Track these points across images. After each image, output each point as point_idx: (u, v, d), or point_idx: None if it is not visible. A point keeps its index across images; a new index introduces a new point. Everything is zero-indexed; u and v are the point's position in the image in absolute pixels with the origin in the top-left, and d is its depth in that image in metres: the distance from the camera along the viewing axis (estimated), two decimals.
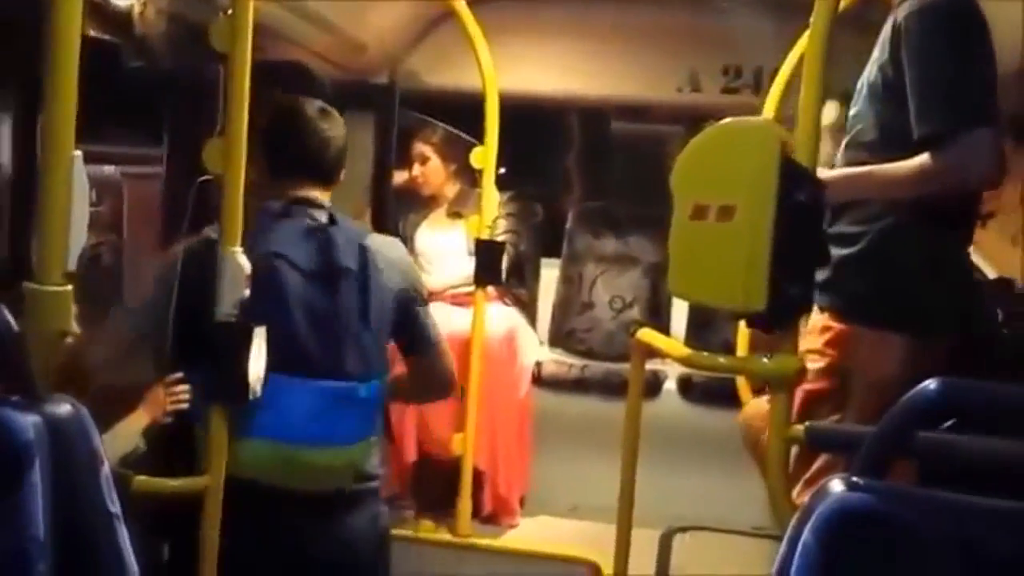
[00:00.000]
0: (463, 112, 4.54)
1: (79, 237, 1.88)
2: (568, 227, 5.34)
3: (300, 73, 4.04)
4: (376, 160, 4.72)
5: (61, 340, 1.83)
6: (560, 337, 5.18)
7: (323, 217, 2.80)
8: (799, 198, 2.04)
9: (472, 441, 4.16)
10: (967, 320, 2.54)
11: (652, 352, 2.93)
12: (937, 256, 2.54)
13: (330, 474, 2.74)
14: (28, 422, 1.35)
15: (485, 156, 4.11)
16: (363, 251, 2.78)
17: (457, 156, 4.62)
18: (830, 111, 2.88)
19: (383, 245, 2.88)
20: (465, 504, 4.17)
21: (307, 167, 2.84)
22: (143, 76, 3.31)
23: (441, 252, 4.69)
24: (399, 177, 4.79)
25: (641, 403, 2.88)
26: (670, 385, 4.75)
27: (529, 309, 4.99)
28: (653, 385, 4.60)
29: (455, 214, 4.68)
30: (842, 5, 2.28)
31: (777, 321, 2.13)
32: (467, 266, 4.30)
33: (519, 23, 4.65)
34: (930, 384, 1.27)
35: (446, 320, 4.32)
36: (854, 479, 1.27)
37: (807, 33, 2.16)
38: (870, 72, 2.59)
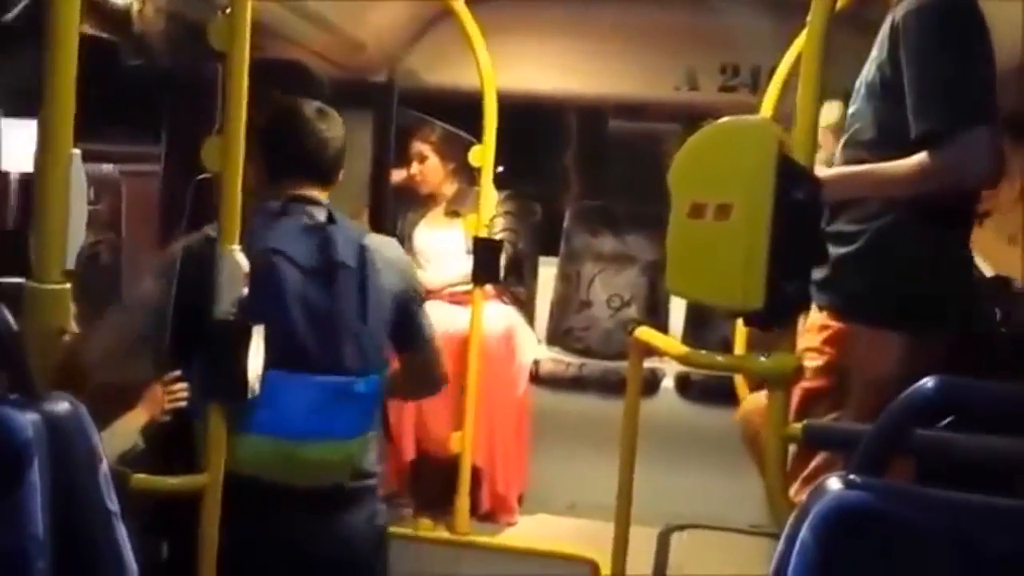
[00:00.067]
0: (461, 111, 4.54)
1: (77, 235, 1.88)
2: (566, 226, 5.34)
3: (299, 72, 4.05)
4: (374, 158, 4.72)
5: (60, 338, 1.83)
6: (558, 335, 5.18)
7: (322, 216, 2.82)
8: (796, 196, 2.05)
9: (470, 439, 4.16)
10: (966, 319, 2.54)
11: (650, 350, 2.93)
12: (935, 255, 2.54)
13: (328, 469, 2.74)
14: (27, 420, 1.35)
15: (483, 155, 4.11)
16: (362, 250, 2.80)
17: (455, 155, 4.62)
18: (832, 111, 2.89)
19: (381, 245, 2.89)
20: (463, 502, 4.17)
21: (305, 167, 2.85)
22: (141, 74, 3.31)
23: (439, 250, 4.69)
24: (397, 175, 4.79)
25: (639, 401, 2.89)
26: (668, 383, 4.75)
27: (527, 307, 4.99)
28: (651, 383, 4.60)
29: (453, 212, 4.68)
30: (839, 4, 2.29)
31: (775, 319, 2.14)
32: (465, 264, 4.30)
33: (517, 22, 4.65)
34: (927, 382, 1.27)
35: (444, 318, 4.34)
36: (851, 477, 1.27)
37: (804, 32, 2.16)
38: (868, 71, 2.59)
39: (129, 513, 1.51)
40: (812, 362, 2.61)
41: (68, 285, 1.87)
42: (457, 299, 4.47)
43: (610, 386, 4.57)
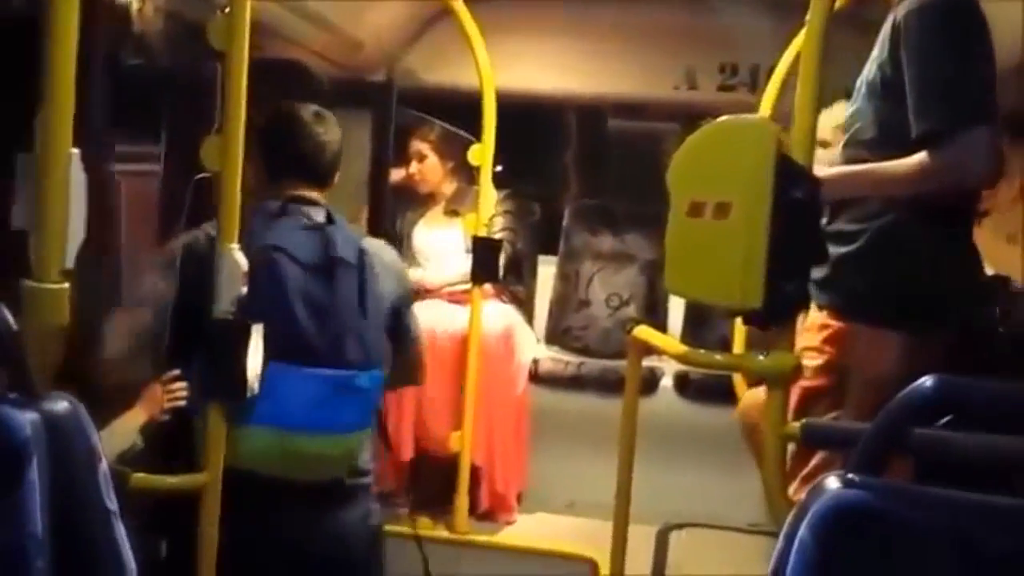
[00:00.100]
0: (460, 110, 4.54)
1: (76, 235, 1.88)
2: (565, 225, 5.34)
3: (298, 71, 4.05)
4: (373, 158, 4.71)
5: (59, 337, 1.83)
6: (557, 334, 5.18)
7: (320, 216, 2.86)
8: (795, 195, 2.05)
9: (469, 438, 4.16)
10: (966, 318, 2.54)
11: (649, 349, 2.94)
12: (936, 254, 2.53)
13: (329, 463, 2.77)
14: (26, 419, 1.35)
15: (482, 154, 4.12)
16: (361, 252, 2.84)
17: (454, 154, 4.62)
18: (843, 110, 2.89)
19: (379, 249, 2.96)
20: (462, 501, 4.17)
21: (303, 170, 2.90)
22: (141, 73, 3.31)
23: (438, 250, 4.69)
24: (396, 175, 4.78)
25: (638, 400, 2.89)
26: (666, 382, 4.75)
27: (526, 307, 4.99)
28: (650, 382, 4.60)
29: (452, 212, 4.68)
30: (838, 4, 2.29)
31: (773, 318, 2.14)
32: (464, 263, 4.30)
33: (516, 21, 4.65)
34: (926, 381, 1.27)
35: (443, 317, 4.35)
36: (850, 476, 1.27)
37: (803, 31, 2.17)
38: (869, 70, 2.59)
39: (128, 512, 1.51)
40: (812, 361, 2.62)
41: (67, 284, 1.88)
42: (456, 298, 4.48)
43: (609, 385, 4.58)
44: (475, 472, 4.29)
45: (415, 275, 4.63)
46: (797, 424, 2.18)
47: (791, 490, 2.36)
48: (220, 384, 2.46)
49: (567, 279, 5.23)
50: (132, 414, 2.71)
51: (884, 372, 2.40)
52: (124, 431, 2.68)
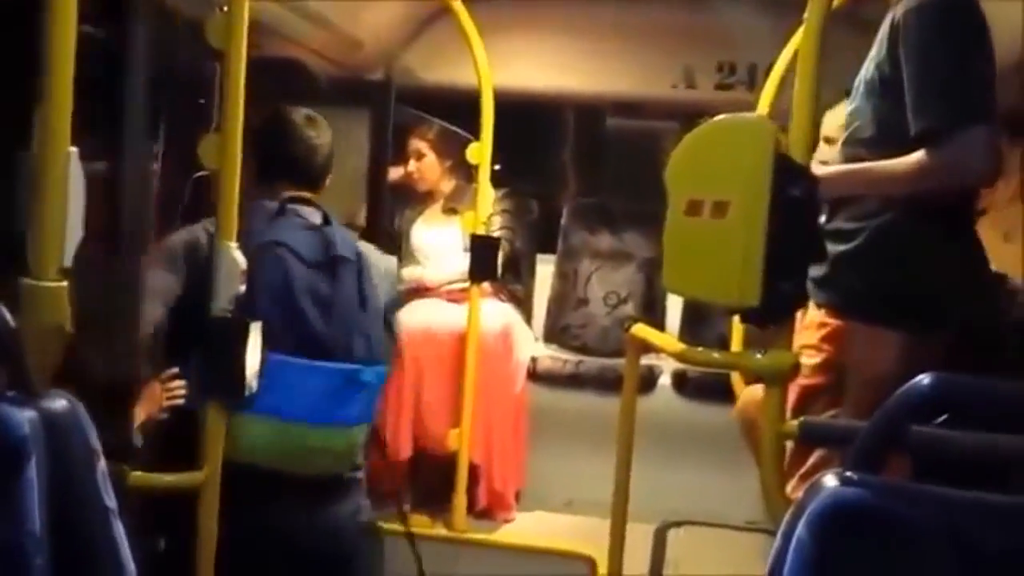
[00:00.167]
0: (459, 108, 4.54)
1: (75, 233, 1.88)
2: (563, 223, 5.34)
3: (296, 70, 4.05)
4: (372, 156, 4.71)
5: (58, 335, 1.84)
6: (555, 333, 5.18)
7: (317, 218, 2.93)
8: (793, 194, 2.05)
9: (468, 436, 4.17)
10: (965, 317, 2.54)
11: (647, 347, 2.94)
12: (934, 253, 2.53)
13: (333, 456, 2.83)
14: (24, 417, 1.35)
15: (480, 152, 4.12)
16: (359, 256, 2.93)
17: (452, 152, 4.62)
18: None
19: (373, 253, 3.04)
20: (461, 499, 4.18)
21: (295, 173, 2.97)
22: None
23: (437, 248, 4.69)
24: (395, 173, 4.78)
25: (636, 398, 2.89)
26: (665, 380, 4.75)
27: (524, 305, 4.99)
28: (648, 380, 4.61)
29: (451, 210, 4.68)
30: (836, 2, 2.28)
31: (771, 316, 2.14)
32: (462, 262, 4.30)
33: (515, 20, 4.65)
34: (923, 379, 1.27)
35: (442, 316, 4.36)
36: (847, 474, 1.27)
37: (801, 30, 2.17)
38: (868, 69, 2.59)
39: (127, 509, 1.51)
40: (810, 359, 2.62)
41: (65, 283, 1.88)
42: (454, 296, 4.48)
43: (607, 383, 4.58)
44: (473, 470, 4.29)
45: (414, 273, 4.64)
46: (795, 422, 2.18)
47: (789, 488, 2.36)
48: (219, 382, 2.46)
49: (565, 277, 5.23)
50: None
51: (882, 370, 2.40)
52: None
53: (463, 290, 4.30)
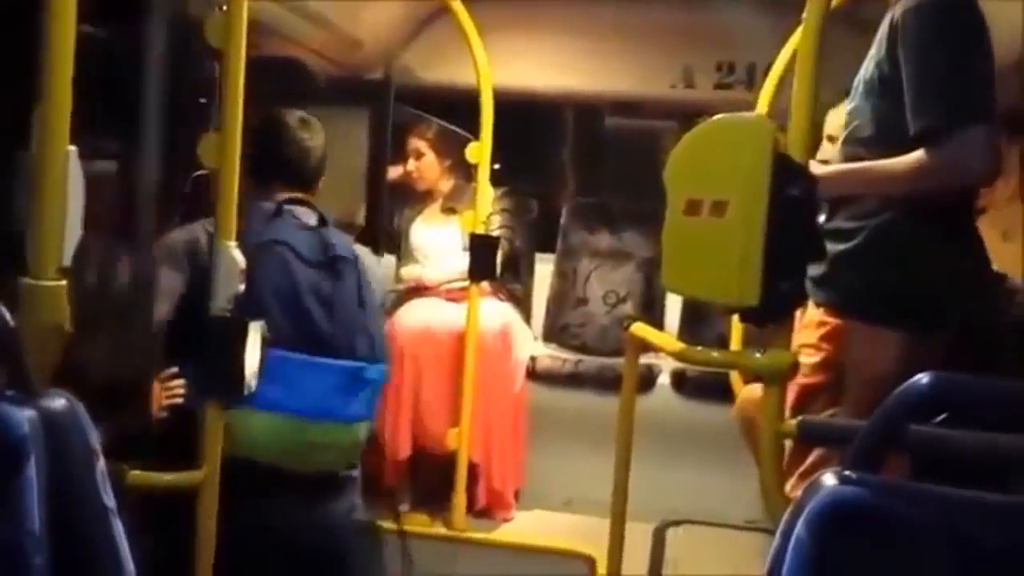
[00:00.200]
0: (458, 108, 4.54)
1: (74, 232, 1.88)
2: (562, 222, 5.35)
3: (296, 69, 4.05)
4: (371, 155, 4.71)
5: (57, 335, 1.84)
6: (554, 332, 5.18)
7: (312, 219, 2.99)
8: (792, 193, 2.05)
9: (467, 435, 4.17)
10: (965, 316, 2.54)
11: (646, 346, 2.94)
12: (933, 252, 2.53)
13: (338, 452, 2.89)
14: (24, 417, 1.35)
15: (480, 151, 4.12)
16: (356, 258, 3.00)
17: (452, 151, 4.62)
18: None
19: (367, 255, 3.12)
20: (460, 498, 4.18)
21: (289, 175, 3.03)
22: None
23: (436, 247, 4.69)
24: (394, 172, 4.78)
25: (635, 397, 2.90)
26: (664, 379, 4.75)
27: (523, 304, 4.99)
28: (647, 379, 4.61)
29: (450, 209, 4.68)
30: (834, 2, 2.29)
31: (770, 315, 2.14)
32: (462, 261, 4.30)
33: (514, 19, 4.65)
34: (922, 378, 1.28)
35: (441, 315, 4.35)
36: (846, 473, 1.27)
37: (800, 29, 2.17)
38: (867, 68, 2.59)
39: (126, 508, 1.51)
40: (809, 358, 2.62)
41: (64, 282, 1.88)
42: (453, 296, 4.48)
43: (606, 382, 4.58)
44: (472, 469, 4.29)
45: (413, 272, 4.65)
46: (794, 421, 2.18)
47: (788, 487, 2.36)
48: (218, 381, 2.46)
49: (564, 277, 5.23)
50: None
51: (881, 369, 2.40)
52: None
53: (462, 289, 4.30)
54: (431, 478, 4.38)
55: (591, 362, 4.89)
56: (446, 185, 4.75)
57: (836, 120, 3.06)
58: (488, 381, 4.32)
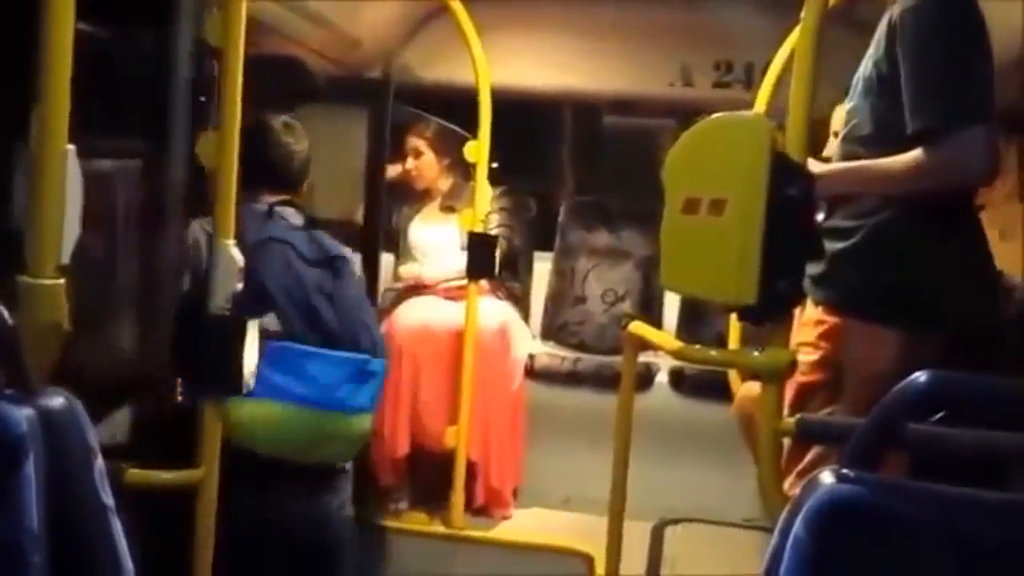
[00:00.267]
0: (457, 106, 4.54)
1: (72, 231, 1.88)
2: (561, 221, 5.35)
3: (295, 68, 4.06)
4: (370, 154, 4.71)
5: (56, 333, 1.84)
6: (553, 330, 5.18)
7: (300, 220, 3.09)
8: (790, 192, 2.05)
9: (465, 434, 4.17)
10: (964, 315, 2.54)
11: (644, 345, 2.94)
12: (931, 251, 2.53)
13: (347, 443, 2.95)
14: (22, 415, 1.35)
15: (478, 150, 4.12)
16: (350, 258, 3.12)
17: (450, 150, 4.63)
18: None
19: (355, 259, 3.21)
20: (458, 496, 4.18)
21: (274, 178, 3.12)
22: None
23: (434, 246, 4.70)
24: (392, 171, 4.78)
25: (633, 396, 2.90)
26: (662, 378, 4.75)
27: (522, 303, 4.99)
28: (645, 378, 4.61)
29: (448, 208, 4.68)
30: (832, 1, 2.29)
31: (768, 314, 2.14)
32: (460, 260, 4.30)
33: (513, 18, 4.66)
34: (919, 376, 1.28)
35: (439, 314, 4.36)
36: (844, 471, 1.27)
37: (798, 28, 2.17)
38: (866, 67, 2.59)
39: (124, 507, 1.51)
40: (807, 356, 2.62)
41: (63, 280, 1.88)
42: (452, 294, 4.48)
43: (604, 381, 4.58)
44: (471, 467, 4.29)
45: (411, 271, 4.65)
46: (792, 419, 2.19)
47: (786, 485, 2.36)
48: (217, 380, 2.46)
49: (563, 275, 5.23)
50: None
51: (879, 368, 2.40)
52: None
53: (461, 288, 4.30)
54: (429, 476, 4.38)
55: (589, 360, 4.89)
56: (445, 184, 4.76)
57: (842, 116, 3.06)
58: (486, 379, 4.32)
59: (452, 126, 4.69)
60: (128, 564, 1.48)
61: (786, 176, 2.05)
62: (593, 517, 3.72)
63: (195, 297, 2.55)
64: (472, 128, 4.18)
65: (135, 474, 2.33)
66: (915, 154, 2.40)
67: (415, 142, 4.70)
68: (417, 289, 4.59)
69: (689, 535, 4.38)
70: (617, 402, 2.93)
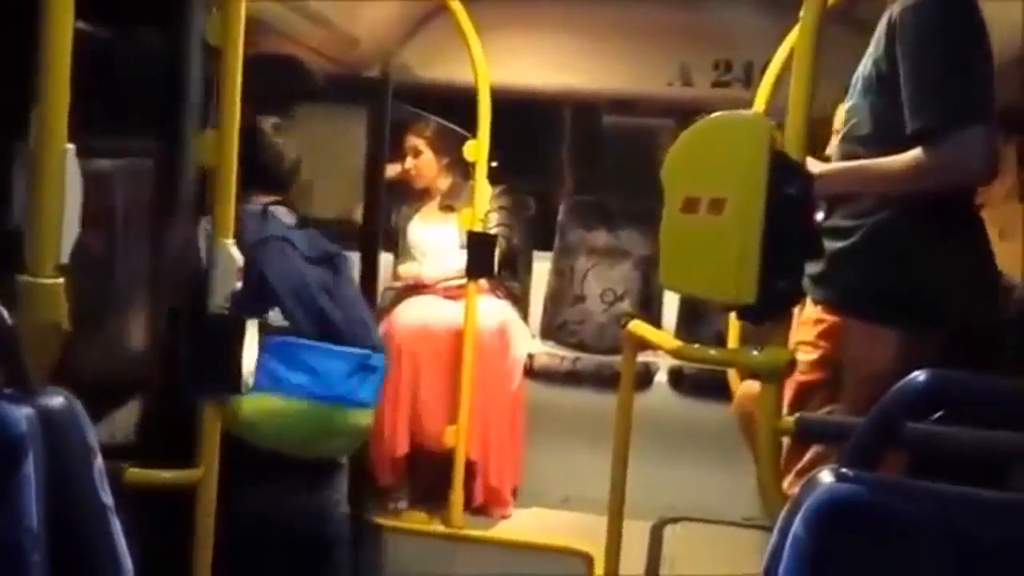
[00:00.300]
0: (456, 106, 4.54)
1: (71, 230, 1.88)
2: (560, 220, 5.34)
3: (294, 67, 4.05)
4: (369, 153, 4.71)
5: (55, 332, 1.84)
6: (552, 330, 5.18)
7: (292, 220, 3.11)
8: (789, 191, 2.05)
9: (464, 433, 4.17)
10: (964, 315, 2.54)
11: (643, 344, 2.94)
12: (931, 251, 2.53)
13: (351, 437, 2.99)
14: (21, 415, 1.35)
15: (477, 149, 4.12)
16: (346, 256, 3.17)
17: (449, 149, 4.63)
18: None
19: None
20: (457, 496, 4.18)
21: (265, 180, 3.14)
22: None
23: (433, 245, 4.70)
24: (392, 170, 4.77)
25: (632, 395, 2.90)
26: (661, 377, 4.75)
27: (521, 302, 4.99)
28: (644, 377, 4.61)
29: (448, 207, 4.68)
30: (831, 1, 2.29)
31: (767, 313, 2.14)
32: (459, 259, 4.30)
33: (512, 18, 4.66)
34: (919, 375, 1.28)
35: (438, 313, 4.36)
36: (843, 470, 1.27)
37: (797, 28, 2.17)
38: (865, 66, 2.59)
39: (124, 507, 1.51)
40: (807, 356, 2.62)
41: (62, 279, 1.88)
42: (451, 293, 4.48)
43: (604, 380, 4.58)
44: (470, 467, 4.29)
45: (411, 270, 4.65)
46: (791, 418, 2.19)
47: (786, 484, 2.36)
48: (215, 379, 2.46)
49: (562, 274, 5.23)
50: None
51: (878, 367, 2.40)
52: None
53: (460, 287, 4.30)
54: (429, 475, 4.38)
55: (589, 360, 4.89)
56: (444, 183, 4.76)
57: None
58: (486, 379, 4.32)
59: (451, 125, 4.69)
60: (128, 564, 1.48)
61: (785, 175, 2.06)
62: (592, 516, 3.72)
63: (194, 296, 2.57)
64: (471, 127, 4.18)
65: (134, 473, 2.33)
66: (914, 153, 2.40)
67: (414, 141, 4.70)
68: (416, 288, 4.59)
69: (688, 534, 4.39)
70: (616, 401, 2.93)
